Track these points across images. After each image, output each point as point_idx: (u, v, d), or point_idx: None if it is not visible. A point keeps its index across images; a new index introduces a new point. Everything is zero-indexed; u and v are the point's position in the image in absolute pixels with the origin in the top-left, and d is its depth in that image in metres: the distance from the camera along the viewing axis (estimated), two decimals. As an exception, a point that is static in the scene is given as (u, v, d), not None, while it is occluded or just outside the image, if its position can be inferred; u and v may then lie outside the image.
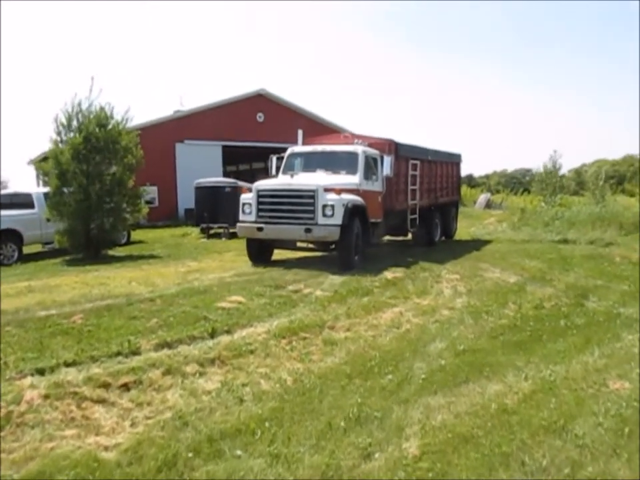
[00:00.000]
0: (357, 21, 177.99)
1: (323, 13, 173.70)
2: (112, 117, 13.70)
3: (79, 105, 13.55)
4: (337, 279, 8.72)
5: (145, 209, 14.82)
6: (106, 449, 3.55)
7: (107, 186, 13.42)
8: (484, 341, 6.09)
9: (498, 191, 49.45)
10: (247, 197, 10.62)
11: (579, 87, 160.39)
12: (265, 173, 36.95)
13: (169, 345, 5.35)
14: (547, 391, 4.63)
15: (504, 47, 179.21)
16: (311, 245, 11.20)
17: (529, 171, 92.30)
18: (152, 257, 12.98)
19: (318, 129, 24.19)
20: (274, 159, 12.59)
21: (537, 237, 15.75)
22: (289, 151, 12.21)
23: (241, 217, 10.59)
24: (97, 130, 13.38)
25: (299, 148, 12.37)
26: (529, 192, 41.31)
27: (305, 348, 5.56)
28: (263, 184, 10.80)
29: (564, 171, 27.88)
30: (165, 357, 5.02)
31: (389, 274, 9.20)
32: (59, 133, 13.51)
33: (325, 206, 9.80)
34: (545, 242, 14.73)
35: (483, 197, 34.96)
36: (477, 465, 3.39)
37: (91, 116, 13.42)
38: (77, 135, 13.30)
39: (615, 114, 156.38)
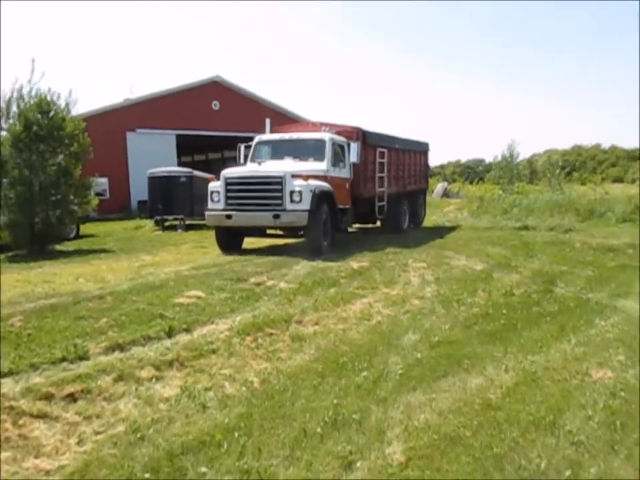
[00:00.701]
0: (325, 19, 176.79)
1: (299, 11, 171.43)
2: (55, 103, 12.82)
3: (20, 89, 12.63)
4: (301, 270, 8.33)
5: (95, 201, 14.05)
6: (47, 473, 3.05)
7: (51, 176, 12.58)
8: (458, 331, 5.83)
9: (454, 180, 50.01)
10: (215, 185, 10.61)
11: (529, 80, 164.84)
12: (222, 164, 36.30)
13: (120, 347, 4.83)
14: (530, 383, 4.39)
15: (457, 39, 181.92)
16: (280, 232, 11.19)
17: (481, 161, 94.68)
18: (103, 251, 12.26)
19: (280, 119, 23.59)
20: (242, 147, 12.67)
21: (498, 224, 15.83)
22: (256, 139, 12.27)
23: (210, 205, 10.63)
24: (40, 117, 12.51)
25: (267, 136, 12.43)
26: (484, 181, 42.07)
27: (271, 345, 5.15)
28: (231, 171, 10.79)
29: (518, 160, 28.29)
30: (117, 361, 4.51)
31: (354, 263, 8.88)
32: (-1, 119, 12.56)
33: (292, 192, 9.88)
34: (506, 229, 14.80)
35: (440, 186, 35.24)
36: (469, 469, 3.08)
37: (32, 101, 12.51)
38: (17, 122, 12.40)
39: (565, 105, 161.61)
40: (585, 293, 7.58)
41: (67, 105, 13.01)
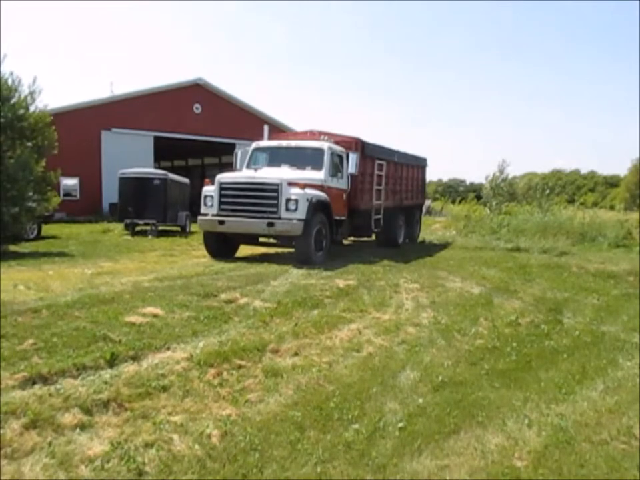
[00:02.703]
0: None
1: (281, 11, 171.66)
2: (17, 90, 11.71)
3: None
4: (280, 287, 7.32)
5: (56, 199, 12.89)
6: None
7: (9, 170, 11.41)
8: (464, 368, 4.90)
9: (436, 199, 49.63)
10: (209, 190, 10.36)
11: (509, 101, 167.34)
12: (202, 170, 34.85)
13: (44, 379, 3.76)
14: (564, 446, 3.47)
15: (440, 59, 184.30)
16: (272, 240, 10.85)
17: (462, 181, 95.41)
18: (61, 254, 11.09)
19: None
20: (239, 153, 12.34)
21: (488, 244, 15.16)
22: (253, 145, 12.06)
23: (203, 209, 10.40)
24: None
25: (264, 143, 12.23)
26: (466, 200, 41.79)
27: (239, 382, 4.13)
28: (226, 176, 10.56)
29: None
30: (34, 400, 3.45)
31: (340, 281, 7.91)
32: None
33: (288, 200, 9.65)
34: (498, 249, 14.08)
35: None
36: None
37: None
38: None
39: (544, 129, 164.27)
40: (597, 325, 6.78)
41: (30, 93, 11.91)
